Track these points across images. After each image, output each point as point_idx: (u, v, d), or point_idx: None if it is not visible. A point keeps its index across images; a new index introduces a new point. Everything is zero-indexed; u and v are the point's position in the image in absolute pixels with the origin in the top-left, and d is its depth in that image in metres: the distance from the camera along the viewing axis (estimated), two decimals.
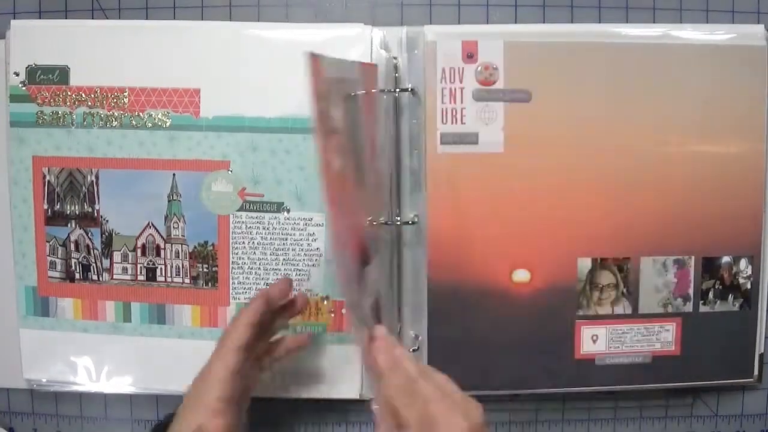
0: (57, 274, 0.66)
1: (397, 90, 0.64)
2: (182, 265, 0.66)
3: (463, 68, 0.64)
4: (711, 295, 0.67)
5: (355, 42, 0.64)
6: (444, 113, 0.64)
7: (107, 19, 0.69)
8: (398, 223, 0.65)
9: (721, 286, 0.67)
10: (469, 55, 0.64)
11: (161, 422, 0.59)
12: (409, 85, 0.65)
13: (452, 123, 0.64)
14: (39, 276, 0.66)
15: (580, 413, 0.73)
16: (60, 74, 0.64)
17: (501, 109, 0.64)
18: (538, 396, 0.72)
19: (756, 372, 0.68)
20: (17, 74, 0.64)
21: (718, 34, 0.66)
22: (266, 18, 0.69)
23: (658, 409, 0.73)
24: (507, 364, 0.66)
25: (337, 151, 0.49)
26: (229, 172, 0.64)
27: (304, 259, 0.65)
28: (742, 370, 0.68)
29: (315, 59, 0.48)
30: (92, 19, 0.68)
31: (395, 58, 0.65)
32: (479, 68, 0.64)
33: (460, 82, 0.64)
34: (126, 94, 0.64)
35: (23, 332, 0.67)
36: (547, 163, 0.65)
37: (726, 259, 0.67)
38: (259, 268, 0.65)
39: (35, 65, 0.64)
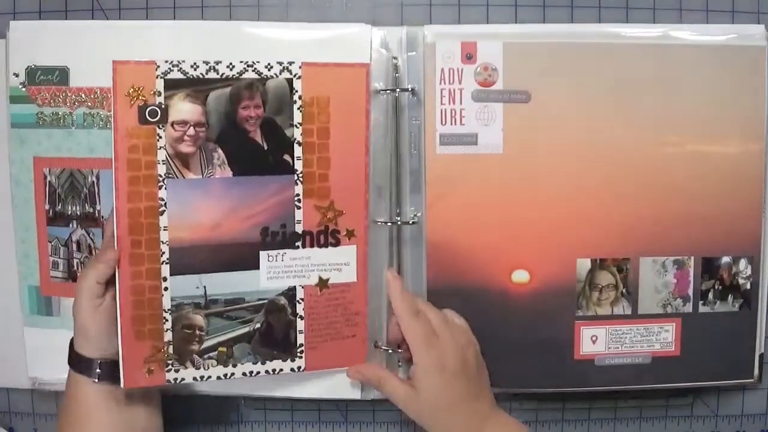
0: (59, 274, 0.65)
1: (397, 90, 0.63)
2: None
3: (462, 69, 0.63)
4: (710, 295, 0.65)
5: (354, 41, 0.62)
6: (443, 114, 0.63)
7: (107, 19, 0.67)
8: (398, 223, 0.63)
9: (720, 287, 0.65)
10: (468, 56, 0.62)
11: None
12: (409, 85, 0.63)
13: (451, 124, 0.63)
14: (42, 276, 0.65)
15: (580, 413, 0.71)
16: (60, 75, 0.62)
17: (500, 110, 0.63)
18: (538, 396, 0.70)
19: (756, 372, 0.66)
20: (17, 75, 0.62)
21: (718, 34, 0.64)
22: (266, 17, 0.67)
23: (658, 409, 0.71)
24: (506, 365, 0.64)
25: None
26: None
27: None
28: (742, 371, 0.66)
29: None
30: (92, 19, 0.67)
31: (395, 58, 0.63)
32: (478, 69, 0.63)
33: (459, 82, 0.63)
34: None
35: (27, 331, 0.66)
36: (547, 163, 0.63)
37: (725, 259, 0.65)
38: None
39: (35, 66, 0.62)
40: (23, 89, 0.63)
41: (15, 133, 0.63)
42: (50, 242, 0.64)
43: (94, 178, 0.63)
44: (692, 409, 0.71)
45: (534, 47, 0.63)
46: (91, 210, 0.64)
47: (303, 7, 0.68)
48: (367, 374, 0.62)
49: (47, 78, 0.62)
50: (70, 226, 0.64)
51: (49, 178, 0.64)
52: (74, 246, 0.64)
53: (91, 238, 0.64)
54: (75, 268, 0.65)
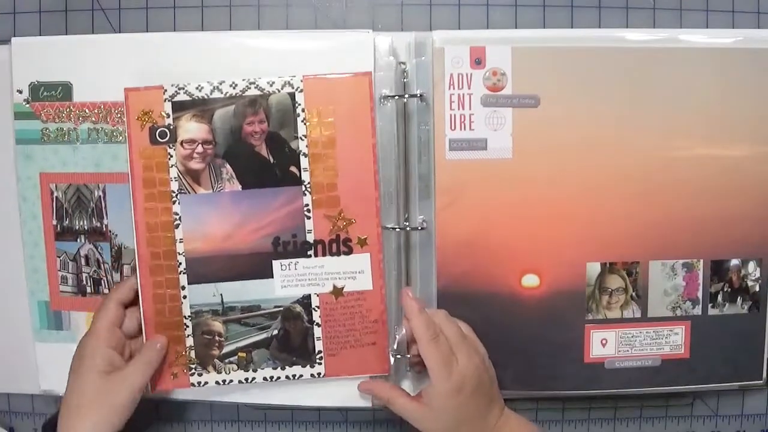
0: (69, 289, 0.63)
1: (406, 96, 0.60)
2: None
3: (471, 74, 0.60)
4: (720, 298, 0.63)
5: (358, 49, 0.59)
6: (452, 119, 0.60)
7: (107, 19, 0.64)
8: (407, 228, 0.61)
9: (729, 289, 0.63)
10: (477, 61, 0.60)
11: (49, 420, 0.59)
12: (418, 91, 0.60)
13: (461, 129, 0.60)
14: (51, 290, 0.62)
15: (580, 413, 0.69)
16: (63, 90, 0.60)
17: (509, 115, 0.60)
18: (542, 397, 0.68)
19: (765, 374, 0.64)
20: (21, 92, 0.60)
21: (726, 37, 0.61)
22: (266, 17, 0.65)
23: (658, 409, 0.69)
24: (517, 369, 0.62)
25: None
26: None
27: None
28: (751, 373, 0.64)
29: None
30: (92, 19, 0.64)
31: (403, 63, 0.60)
32: (487, 74, 0.60)
33: (468, 87, 0.60)
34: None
35: (38, 345, 0.64)
36: (556, 168, 0.61)
37: (734, 261, 0.63)
38: None
39: (38, 82, 0.60)
40: (27, 105, 0.60)
41: (21, 150, 0.61)
42: (59, 257, 0.62)
43: (101, 193, 0.61)
44: (692, 409, 0.69)
45: (543, 52, 0.60)
46: (99, 224, 0.61)
47: (303, 6, 0.65)
48: (377, 392, 0.60)
49: (51, 94, 0.60)
50: (78, 240, 0.62)
51: (55, 194, 0.61)
52: (83, 260, 0.62)
53: (99, 252, 0.62)
54: (84, 282, 0.62)
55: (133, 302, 0.59)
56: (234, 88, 0.58)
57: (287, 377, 0.61)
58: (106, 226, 0.62)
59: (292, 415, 0.69)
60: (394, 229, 0.61)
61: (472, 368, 0.55)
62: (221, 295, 0.59)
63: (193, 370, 0.60)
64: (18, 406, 0.69)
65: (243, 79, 0.58)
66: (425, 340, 0.55)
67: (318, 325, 0.60)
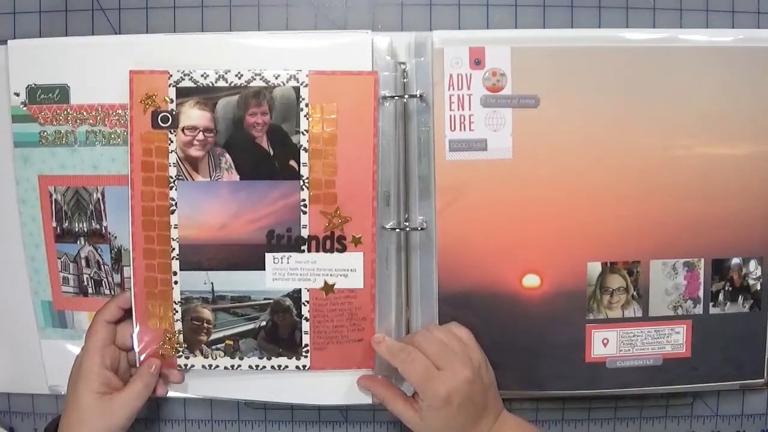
0: (70, 289, 0.61)
1: (406, 96, 0.58)
2: None
3: (470, 74, 0.58)
4: (721, 296, 0.61)
5: (358, 49, 0.58)
6: (452, 120, 0.58)
7: (107, 19, 0.63)
8: (407, 229, 0.60)
9: (731, 288, 0.61)
10: (477, 62, 0.58)
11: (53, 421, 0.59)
12: (418, 91, 0.58)
13: (461, 130, 0.58)
14: (53, 291, 0.61)
15: (580, 413, 0.67)
16: (60, 93, 0.58)
17: (509, 115, 0.58)
18: (543, 397, 0.66)
19: (766, 373, 0.62)
20: (18, 94, 0.58)
21: (727, 36, 0.60)
22: (266, 17, 0.63)
23: (659, 409, 0.67)
24: (518, 369, 0.61)
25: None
26: None
27: None
28: (753, 372, 0.62)
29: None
30: (92, 19, 0.63)
31: (403, 63, 0.59)
32: (487, 74, 0.58)
33: (468, 88, 0.58)
34: (128, 111, 0.57)
35: (44, 342, 0.63)
36: (556, 168, 0.59)
37: (735, 260, 0.61)
38: None
39: (35, 85, 0.58)
40: (24, 108, 0.58)
41: (19, 153, 0.59)
42: (59, 258, 0.60)
43: (99, 195, 0.59)
44: (692, 409, 0.68)
45: (542, 52, 0.58)
46: (98, 227, 0.60)
47: (303, 6, 0.63)
48: (376, 389, 0.59)
49: (48, 96, 0.58)
50: (78, 242, 0.60)
51: (54, 196, 0.60)
52: (83, 262, 0.61)
53: (99, 254, 0.61)
54: (85, 283, 0.61)
55: (123, 318, 0.59)
56: (239, 78, 0.57)
57: (273, 367, 0.60)
58: (106, 228, 0.60)
59: (292, 414, 0.67)
60: (394, 229, 0.59)
61: (459, 382, 0.53)
62: (212, 283, 0.59)
63: (181, 353, 0.60)
64: (18, 406, 0.67)
65: (248, 70, 0.57)
66: (399, 363, 0.56)
67: (306, 319, 0.59)
